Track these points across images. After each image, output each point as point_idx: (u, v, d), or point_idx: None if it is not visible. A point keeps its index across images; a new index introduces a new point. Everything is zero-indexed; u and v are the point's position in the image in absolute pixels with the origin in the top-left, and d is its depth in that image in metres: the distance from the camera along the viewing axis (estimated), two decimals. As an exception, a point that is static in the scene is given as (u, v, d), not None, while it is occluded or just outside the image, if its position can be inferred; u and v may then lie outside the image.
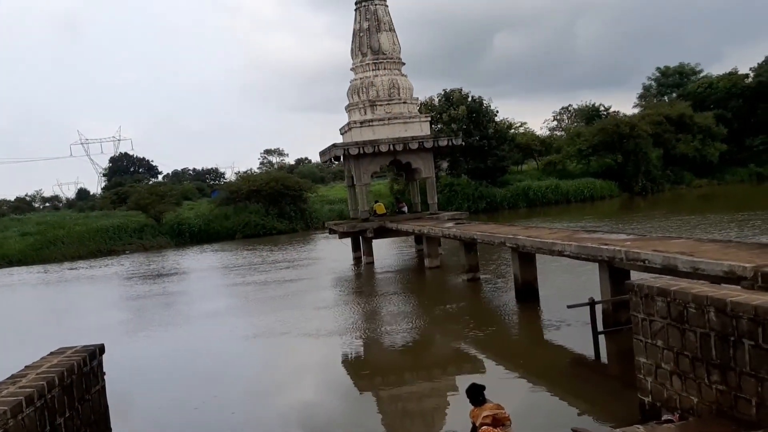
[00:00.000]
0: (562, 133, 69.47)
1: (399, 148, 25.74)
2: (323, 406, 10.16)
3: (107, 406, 6.65)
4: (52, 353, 6.28)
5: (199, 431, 9.38)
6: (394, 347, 13.62)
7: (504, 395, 7.04)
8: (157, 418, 10.04)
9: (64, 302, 25.03)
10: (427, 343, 13.98)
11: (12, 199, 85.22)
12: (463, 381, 10.67)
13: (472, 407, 6.91)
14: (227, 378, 12.11)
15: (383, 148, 25.56)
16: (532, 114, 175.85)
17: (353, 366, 12.71)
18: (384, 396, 10.68)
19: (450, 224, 21.82)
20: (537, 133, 64.25)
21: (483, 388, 6.96)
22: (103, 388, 6.57)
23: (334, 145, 26.26)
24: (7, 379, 5.46)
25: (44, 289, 30.09)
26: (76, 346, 6.44)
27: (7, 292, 30.00)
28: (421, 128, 26.83)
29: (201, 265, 32.61)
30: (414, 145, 25.87)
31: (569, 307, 11.73)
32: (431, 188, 27.56)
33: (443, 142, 26.62)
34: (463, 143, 34.03)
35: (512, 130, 56.64)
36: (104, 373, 6.65)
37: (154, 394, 11.32)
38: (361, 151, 25.53)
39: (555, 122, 79.23)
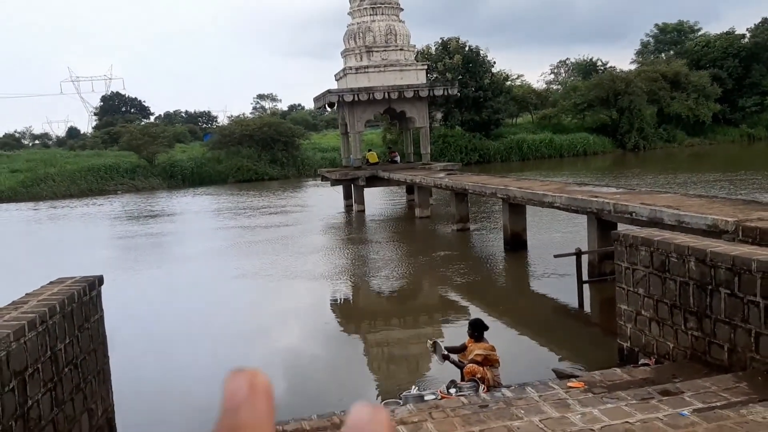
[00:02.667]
0: (559, 86, 69.09)
1: (394, 96, 25.64)
2: (309, 349, 10.41)
3: (105, 336, 6.86)
4: (52, 282, 6.45)
5: (184, 371, 9.59)
6: (381, 293, 13.90)
7: (489, 341, 7.30)
8: (146, 354, 10.28)
9: (55, 239, 25.15)
10: (414, 289, 14.28)
11: (0, 135, 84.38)
12: (449, 328, 11.02)
13: (469, 338, 7.18)
14: (213, 317, 12.36)
15: (378, 96, 25.46)
16: (528, 67, 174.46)
17: (341, 310, 13.00)
18: (370, 340, 10.96)
19: (442, 175, 21.95)
20: (533, 87, 63.86)
21: (486, 327, 7.23)
22: (102, 317, 6.76)
23: (329, 91, 26.13)
24: (9, 304, 5.63)
25: (35, 225, 30.17)
26: (75, 277, 6.61)
27: (-2, 227, 30.07)
28: (417, 77, 26.69)
29: (193, 208, 32.71)
30: (409, 94, 25.77)
31: (556, 256, 11.99)
32: (425, 138, 27.56)
33: (439, 92, 26.53)
34: (459, 94, 33.92)
35: (508, 82, 56.23)
36: (102, 304, 6.83)
37: (141, 331, 11.52)
38: (356, 98, 25.43)
39: (552, 76, 78.67)
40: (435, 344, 7.38)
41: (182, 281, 15.94)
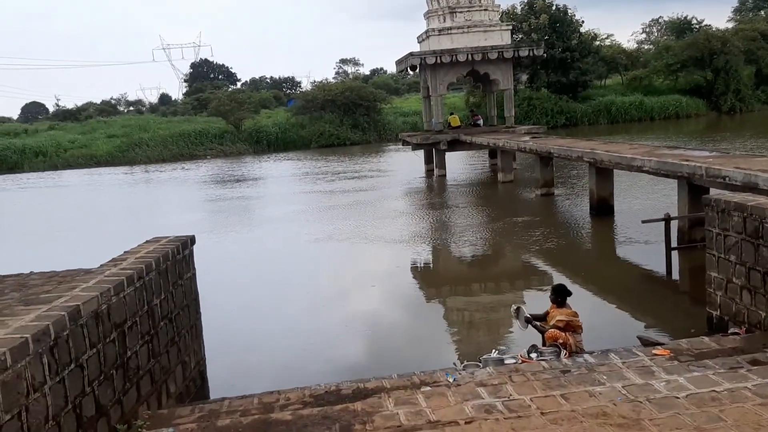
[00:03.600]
0: (651, 46, 65.94)
1: (477, 57, 25.21)
2: (389, 312, 10.51)
3: (197, 292, 7.20)
4: (148, 241, 6.79)
5: (268, 329, 9.92)
6: (462, 258, 13.88)
7: (573, 307, 7.20)
8: (234, 311, 10.68)
9: (149, 202, 26.34)
10: (496, 255, 14.17)
11: (98, 101, 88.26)
12: (531, 293, 10.92)
13: (551, 305, 7.13)
14: (295, 279, 12.64)
15: (461, 58, 25.09)
16: (618, 26, 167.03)
17: (421, 275, 13.07)
18: (451, 305, 11.00)
19: (526, 138, 21.53)
20: (623, 47, 61.20)
21: (569, 293, 7.15)
22: (194, 275, 7.08)
23: (411, 54, 25.94)
24: (109, 261, 5.98)
25: (130, 189, 31.67)
26: (169, 236, 6.93)
27: (95, 190, 31.72)
28: (501, 38, 26.09)
29: (276, 173, 33.45)
30: (493, 55, 25.27)
31: (644, 222, 11.64)
32: (509, 101, 27.03)
33: (524, 53, 25.88)
34: (545, 54, 32.90)
35: (597, 42, 54.09)
36: (194, 263, 7.14)
37: (228, 290, 11.93)
38: (438, 61, 25.15)
39: (643, 35, 75.11)
40: (518, 309, 7.35)
41: (266, 243, 16.39)
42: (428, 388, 5.44)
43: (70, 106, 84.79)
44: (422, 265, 13.82)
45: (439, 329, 9.60)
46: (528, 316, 7.23)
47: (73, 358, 4.41)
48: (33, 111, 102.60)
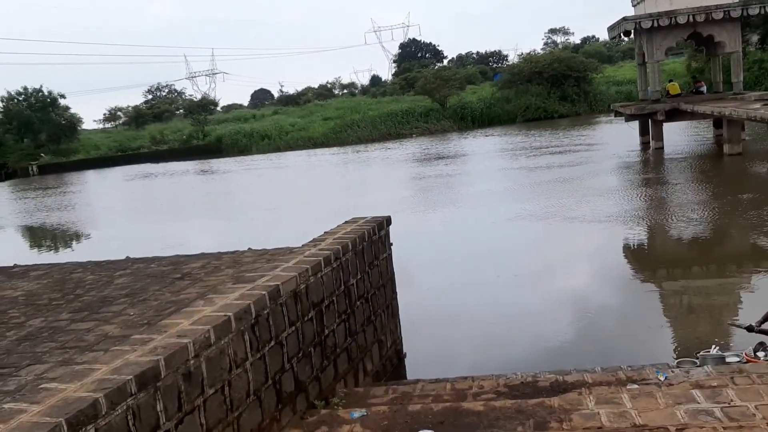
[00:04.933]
0: None
1: (700, 18, 22.87)
2: (597, 295, 9.88)
3: (393, 273, 7.26)
4: (346, 222, 6.96)
5: (467, 309, 9.76)
6: (681, 238, 12.73)
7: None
8: (432, 290, 10.70)
9: (357, 180, 27.51)
10: (720, 235, 12.79)
11: (316, 86, 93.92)
12: (761, 280, 9.67)
13: None
14: (496, 258, 12.34)
15: (681, 20, 22.92)
16: None
17: (634, 256, 12.17)
18: (666, 289, 10.08)
19: (758, 105, 19.13)
20: None
21: None
22: (390, 255, 7.15)
23: (625, 19, 24.21)
24: (309, 242, 6.20)
25: (342, 167, 33.33)
26: (366, 217, 7.05)
27: (311, 170, 33.83)
28: (729, -6, 23.43)
29: (482, 149, 33.22)
30: (718, 15, 22.75)
31: None
32: (737, 65, 24.27)
33: (754, 10, 23.05)
34: (781, 11, 28.99)
35: None
36: (391, 243, 7.21)
37: (430, 269, 12.00)
38: (655, 24, 23.18)
39: None
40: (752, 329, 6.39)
41: (466, 222, 16.28)
42: (635, 386, 4.96)
43: (291, 91, 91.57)
44: (635, 245, 12.88)
45: (651, 317, 8.82)
46: (760, 327, 6.27)
47: (273, 335, 4.59)
48: (260, 97, 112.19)
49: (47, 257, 17.34)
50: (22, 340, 4.74)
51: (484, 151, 32.16)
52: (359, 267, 6.22)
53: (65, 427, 2.75)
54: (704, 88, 26.61)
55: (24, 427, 2.74)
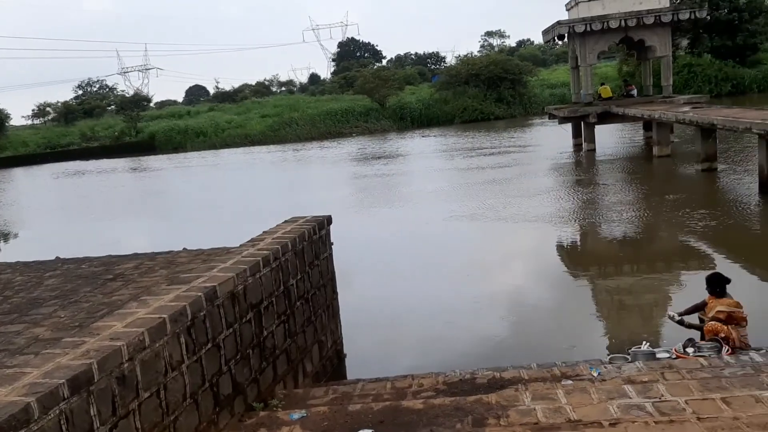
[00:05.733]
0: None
1: (632, 23, 23.60)
2: (532, 293, 10.07)
3: (334, 272, 7.23)
4: (285, 221, 6.89)
5: (405, 308, 9.78)
6: (613, 237, 13.10)
7: (736, 297, 6.47)
8: (373, 290, 10.73)
9: (296, 179, 27.28)
10: (650, 234, 13.23)
11: (253, 83, 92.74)
12: (689, 277, 10.05)
13: (709, 296, 6.48)
14: (435, 261, 12.36)
15: (613, 24, 23.61)
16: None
17: (567, 254, 12.46)
18: (599, 287, 10.37)
19: (686, 108, 19.88)
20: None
21: (728, 281, 6.45)
22: (331, 255, 7.11)
23: (559, 23, 24.77)
24: (248, 242, 6.11)
25: (280, 166, 33.00)
26: (306, 216, 6.99)
27: (249, 168, 33.37)
28: (659, 0, 24.23)
29: (420, 149, 33.44)
30: (649, 20, 23.54)
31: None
32: (666, 69, 25.16)
33: (684, 15, 23.92)
34: (708, 17, 30.26)
35: (769, 1, 49.04)
36: (332, 243, 7.17)
37: (369, 267, 11.99)
38: (588, 28, 23.82)
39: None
40: (672, 317, 6.75)
41: (405, 222, 16.32)
42: (569, 382, 5.08)
43: (228, 88, 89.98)
44: (568, 244, 13.20)
45: (584, 314, 9.04)
46: (678, 318, 6.60)
47: (209, 337, 4.50)
48: (195, 94, 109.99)
49: (-31, 258, 16.56)
50: (-58, 345, 4.50)
51: (423, 151, 32.38)
52: (299, 267, 6.16)
53: (-8, 435, 2.63)
54: (635, 92, 27.46)
55: (-55, 436, 2.61)
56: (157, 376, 3.86)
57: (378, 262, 12.57)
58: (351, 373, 7.20)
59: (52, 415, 2.98)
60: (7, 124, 62.49)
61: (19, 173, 44.72)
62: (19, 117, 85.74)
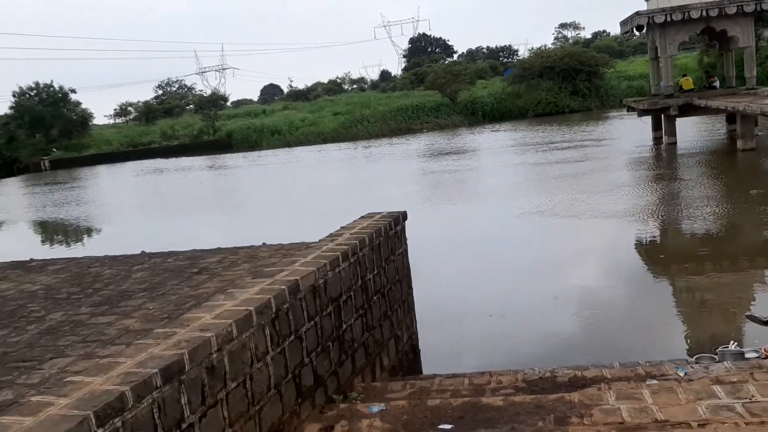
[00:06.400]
0: None
1: (713, 13, 22.69)
2: (610, 291, 9.78)
3: (409, 268, 7.25)
4: (362, 217, 6.95)
5: (479, 304, 9.73)
6: (694, 234, 12.66)
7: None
8: (442, 286, 10.64)
9: (369, 175, 27.48)
10: (734, 231, 12.70)
11: (326, 81, 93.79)
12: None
13: None
14: (508, 257, 12.24)
15: (694, 15, 22.75)
16: None
17: (646, 251, 12.08)
18: (680, 285, 10.03)
19: (773, 100, 18.98)
20: None
21: None
22: (406, 251, 7.14)
23: (637, 13, 24.04)
24: (326, 237, 6.20)
25: (350, 163, 33.31)
26: (382, 212, 7.04)
27: (323, 164, 33.83)
28: (743, -12, 23.19)
29: (491, 144, 33.12)
30: (731, 10, 22.57)
31: None
32: (750, 60, 24.09)
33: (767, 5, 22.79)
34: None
35: None
36: (406, 238, 7.20)
37: (438, 263, 11.90)
38: (668, 19, 23.02)
39: None
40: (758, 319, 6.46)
41: (478, 217, 16.22)
42: (654, 382, 4.94)
43: (301, 87, 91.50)
44: (648, 241, 12.81)
45: (666, 313, 8.76)
46: (766, 319, 6.31)
47: (292, 329, 4.60)
48: (270, 93, 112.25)
49: (61, 251, 17.47)
50: (43, 333, 4.77)
51: (495, 146, 32.06)
52: (376, 262, 6.22)
53: (93, 420, 2.76)
54: (717, 83, 26.43)
55: (52, 420, 2.76)
56: (243, 366, 3.97)
57: (452, 257, 12.52)
58: (426, 368, 7.22)
59: (146, 403, 3.09)
60: (90, 123, 65.39)
61: (102, 170, 46.73)
62: (101, 116, 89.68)
